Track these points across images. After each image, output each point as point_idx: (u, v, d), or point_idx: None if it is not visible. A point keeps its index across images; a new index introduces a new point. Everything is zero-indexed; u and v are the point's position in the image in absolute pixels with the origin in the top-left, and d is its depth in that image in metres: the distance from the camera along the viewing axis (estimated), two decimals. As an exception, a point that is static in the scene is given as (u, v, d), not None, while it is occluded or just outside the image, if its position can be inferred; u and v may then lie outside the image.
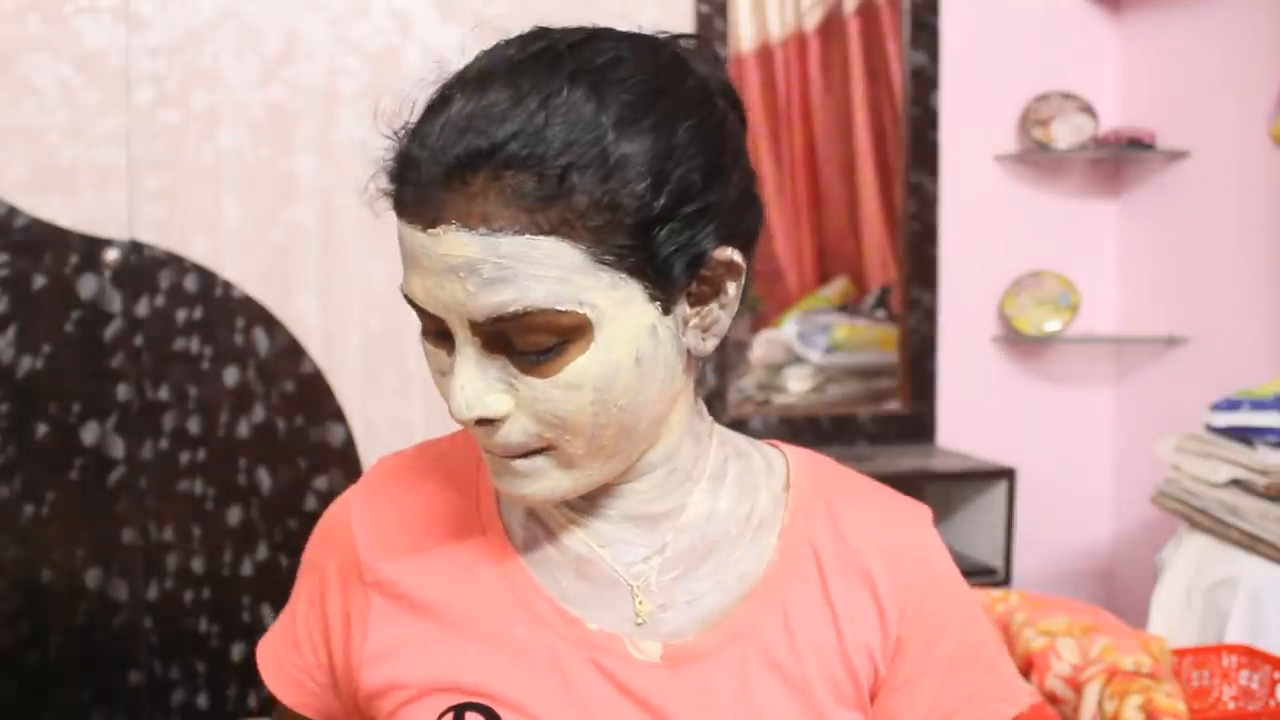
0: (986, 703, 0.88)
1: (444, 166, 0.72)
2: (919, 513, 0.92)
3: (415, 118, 0.76)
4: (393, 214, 0.77)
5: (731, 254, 0.78)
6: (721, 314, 0.81)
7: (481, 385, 0.75)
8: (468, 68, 0.77)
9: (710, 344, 0.81)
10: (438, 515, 0.88)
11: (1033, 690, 1.69)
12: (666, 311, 0.77)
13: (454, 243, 0.72)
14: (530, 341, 0.74)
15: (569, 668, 0.82)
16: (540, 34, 0.77)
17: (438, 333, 0.77)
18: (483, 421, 0.76)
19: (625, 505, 0.85)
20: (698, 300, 0.79)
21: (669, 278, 0.76)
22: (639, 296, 0.75)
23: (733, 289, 0.80)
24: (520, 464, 0.78)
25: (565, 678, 0.82)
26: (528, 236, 0.71)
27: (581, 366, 0.74)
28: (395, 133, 0.77)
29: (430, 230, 0.72)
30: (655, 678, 0.82)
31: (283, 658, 0.93)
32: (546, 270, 0.72)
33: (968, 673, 0.88)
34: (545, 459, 0.78)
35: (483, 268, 0.71)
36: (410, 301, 0.77)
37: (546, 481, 0.78)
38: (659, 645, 0.83)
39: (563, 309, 0.73)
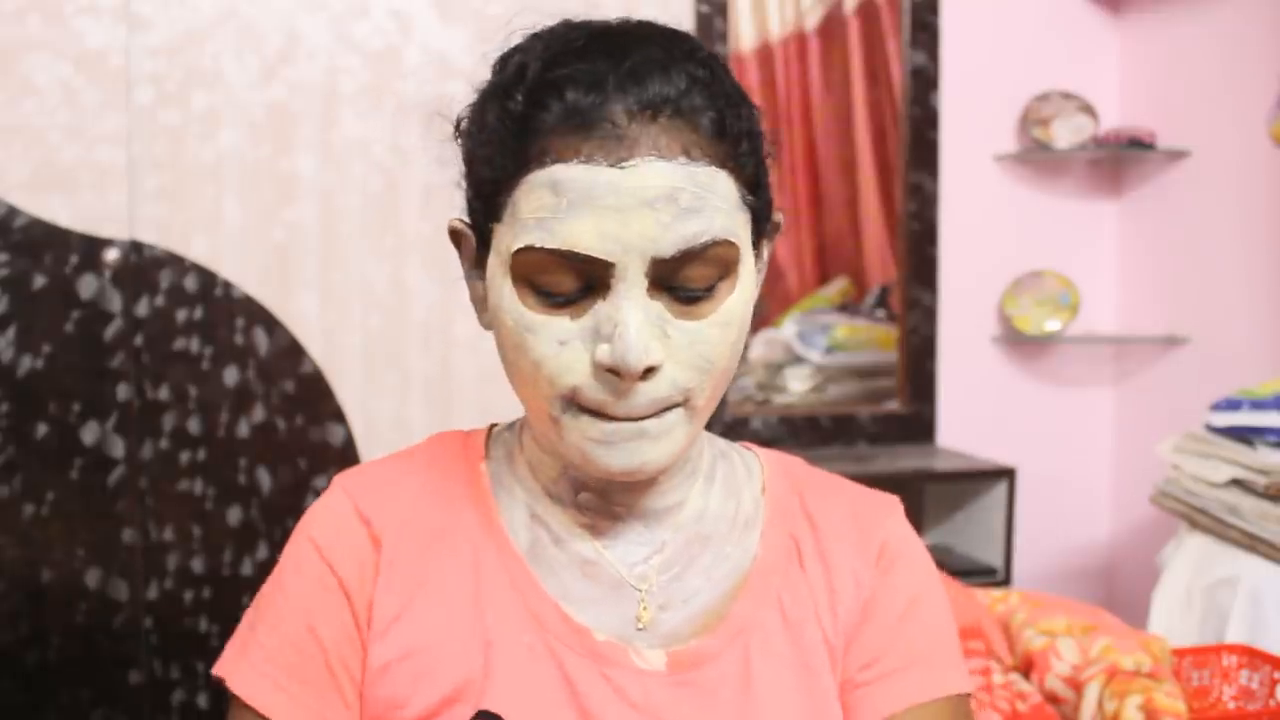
0: (935, 668, 0.87)
1: (628, 107, 0.74)
2: (887, 500, 0.94)
3: (531, 80, 0.76)
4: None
5: (779, 215, 0.85)
6: (758, 278, 0.85)
7: (650, 330, 0.75)
8: (582, 32, 0.78)
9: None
10: (439, 522, 0.87)
11: (1033, 690, 1.69)
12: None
13: (652, 172, 0.73)
14: (699, 277, 0.76)
15: (576, 679, 0.82)
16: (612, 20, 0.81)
17: (565, 298, 0.76)
18: (647, 373, 0.75)
19: (639, 500, 0.85)
20: None
21: (763, 227, 0.82)
22: (749, 242, 0.80)
23: (767, 252, 0.85)
24: (652, 424, 0.77)
25: (573, 689, 0.81)
26: (714, 168, 0.75)
27: (731, 304, 0.78)
28: (513, 97, 0.77)
29: (623, 165, 0.73)
30: (661, 687, 0.82)
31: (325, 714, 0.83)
32: (723, 202, 0.76)
33: (920, 635, 0.88)
34: (676, 414, 0.78)
35: (681, 196, 0.73)
36: (548, 258, 0.74)
37: (668, 443, 0.78)
38: (663, 654, 0.83)
39: (734, 241, 0.76)
